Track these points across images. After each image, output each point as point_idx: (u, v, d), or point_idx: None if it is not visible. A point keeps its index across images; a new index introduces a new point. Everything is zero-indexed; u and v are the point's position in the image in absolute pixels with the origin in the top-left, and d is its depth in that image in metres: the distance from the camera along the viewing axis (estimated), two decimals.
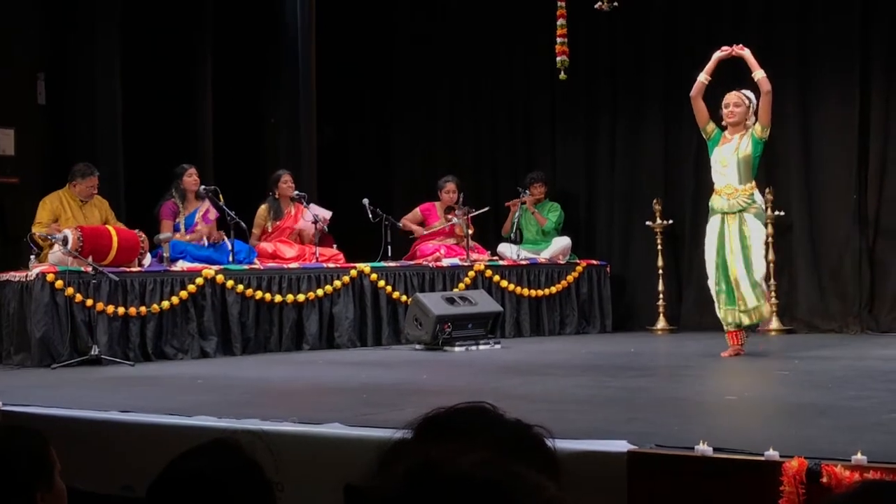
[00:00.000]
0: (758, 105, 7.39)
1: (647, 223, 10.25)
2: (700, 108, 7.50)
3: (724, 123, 7.49)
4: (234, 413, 4.61)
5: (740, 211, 7.36)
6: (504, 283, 9.70)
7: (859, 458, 3.14)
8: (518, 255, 10.07)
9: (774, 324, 9.42)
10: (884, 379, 5.91)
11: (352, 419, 4.34)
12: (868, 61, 9.51)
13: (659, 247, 10.19)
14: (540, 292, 9.90)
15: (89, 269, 7.71)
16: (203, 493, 1.97)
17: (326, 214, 9.53)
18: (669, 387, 6.06)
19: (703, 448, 3.38)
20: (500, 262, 9.93)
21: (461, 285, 9.44)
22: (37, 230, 8.14)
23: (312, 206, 9.55)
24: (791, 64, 9.78)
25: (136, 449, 4.38)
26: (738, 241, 7.35)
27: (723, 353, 7.39)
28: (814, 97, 9.74)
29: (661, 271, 10.15)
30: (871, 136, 9.46)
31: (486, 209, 10.34)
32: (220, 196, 9.00)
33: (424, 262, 9.61)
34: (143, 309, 7.99)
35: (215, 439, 2.19)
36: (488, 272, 9.65)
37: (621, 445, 3.50)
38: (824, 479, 3.10)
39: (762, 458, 3.27)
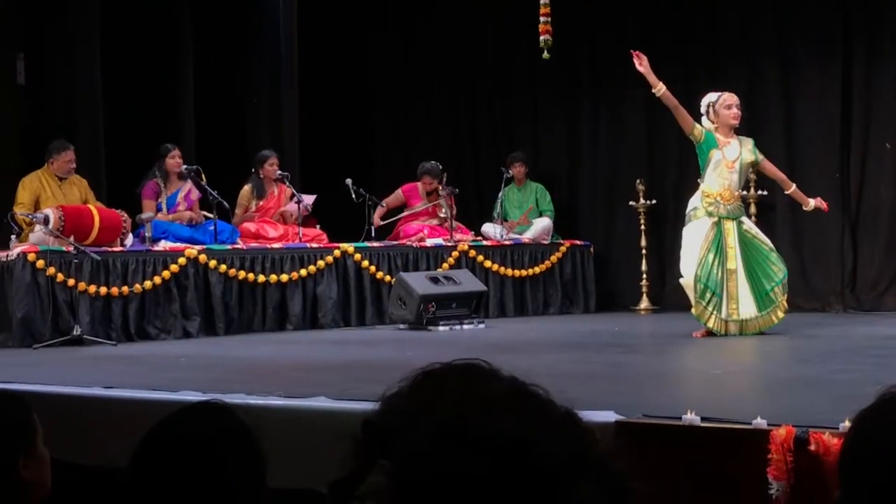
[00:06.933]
0: None
1: (630, 203, 10.24)
2: (684, 116, 7.29)
3: (733, 124, 7.37)
4: (218, 388, 4.58)
5: (737, 218, 7.35)
6: (488, 263, 9.68)
7: (847, 425, 3.13)
8: (502, 236, 10.05)
9: None
10: (868, 354, 5.92)
11: (337, 394, 4.32)
12: (850, 41, 9.50)
13: (642, 227, 10.19)
14: (524, 272, 9.88)
15: (71, 248, 7.65)
16: (191, 456, 1.88)
17: (310, 199, 9.49)
18: (654, 362, 6.07)
19: (691, 417, 3.38)
20: (484, 243, 9.91)
21: (445, 265, 9.42)
22: (18, 211, 8.07)
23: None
24: (771, 43, 9.78)
25: (118, 425, 4.34)
26: (748, 248, 7.28)
27: (695, 333, 7.32)
28: (795, 77, 9.73)
29: (644, 251, 10.15)
30: (853, 116, 9.46)
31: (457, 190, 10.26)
32: (203, 176, 8.95)
33: (408, 243, 9.58)
34: (125, 289, 7.93)
35: (203, 401, 2.13)
36: (472, 252, 9.63)
37: (608, 415, 3.49)
38: (812, 447, 3.10)
39: (750, 427, 3.27)
